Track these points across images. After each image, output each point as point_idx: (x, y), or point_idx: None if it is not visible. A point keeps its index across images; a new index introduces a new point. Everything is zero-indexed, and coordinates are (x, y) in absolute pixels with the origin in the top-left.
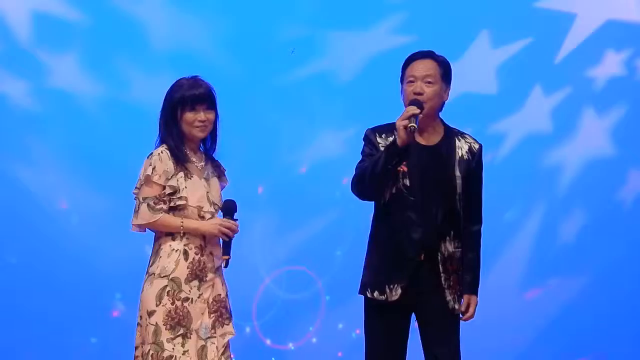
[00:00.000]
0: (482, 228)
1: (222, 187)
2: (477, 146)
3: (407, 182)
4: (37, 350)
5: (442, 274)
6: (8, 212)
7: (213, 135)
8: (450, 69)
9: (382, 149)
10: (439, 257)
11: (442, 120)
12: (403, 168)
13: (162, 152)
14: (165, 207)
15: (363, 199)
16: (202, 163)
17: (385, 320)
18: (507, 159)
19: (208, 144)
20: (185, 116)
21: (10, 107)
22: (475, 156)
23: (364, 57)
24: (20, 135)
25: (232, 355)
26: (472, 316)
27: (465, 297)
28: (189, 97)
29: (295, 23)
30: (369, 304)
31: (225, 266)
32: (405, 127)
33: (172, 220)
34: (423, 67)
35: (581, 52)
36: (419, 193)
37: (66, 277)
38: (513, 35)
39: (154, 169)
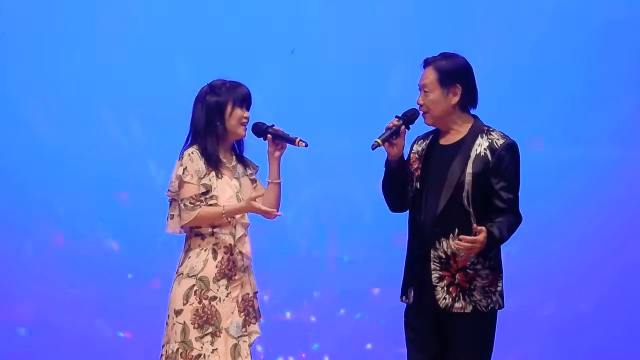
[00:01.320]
0: (511, 218)
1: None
2: (501, 142)
3: (418, 185)
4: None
5: (433, 272)
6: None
7: None
8: (457, 69)
9: (411, 156)
10: (433, 255)
11: (475, 119)
12: (418, 172)
13: (192, 153)
14: (202, 204)
15: (390, 211)
16: (233, 163)
17: (413, 324)
18: None
19: (242, 144)
20: (235, 113)
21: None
22: (496, 152)
23: (364, 56)
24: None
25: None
26: (473, 241)
27: (481, 228)
28: (239, 95)
29: (296, 23)
30: (405, 309)
31: (305, 145)
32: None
33: (212, 209)
34: (422, 77)
35: (581, 51)
36: (425, 193)
37: None
38: (513, 34)
39: (185, 169)
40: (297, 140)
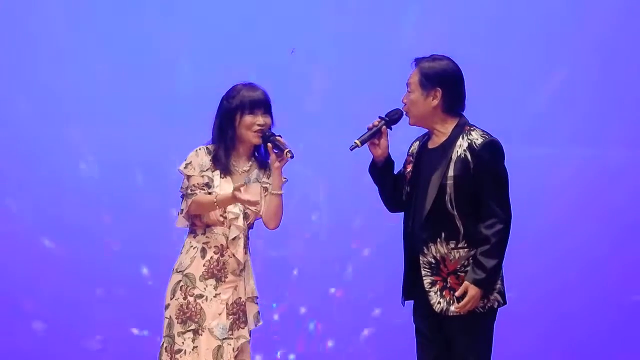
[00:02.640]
0: (497, 223)
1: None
2: (479, 141)
3: (409, 189)
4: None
5: (424, 277)
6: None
7: None
8: (439, 73)
9: (407, 158)
10: (422, 260)
11: (459, 119)
12: (409, 175)
13: (200, 149)
14: (199, 192)
15: (390, 211)
16: (246, 168)
17: (418, 338)
18: (507, 158)
19: (262, 150)
20: (244, 119)
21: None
22: (475, 152)
23: (365, 56)
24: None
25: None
26: (465, 305)
27: (463, 285)
28: (247, 100)
29: (296, 23)
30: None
31: (292, 156)
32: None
33: (207, 196)
34: (409, 76)
35: (582, 51)
36: (414, 198)
37: None
38: (515, 34)
39: (188, 163)
40: (286, 151)
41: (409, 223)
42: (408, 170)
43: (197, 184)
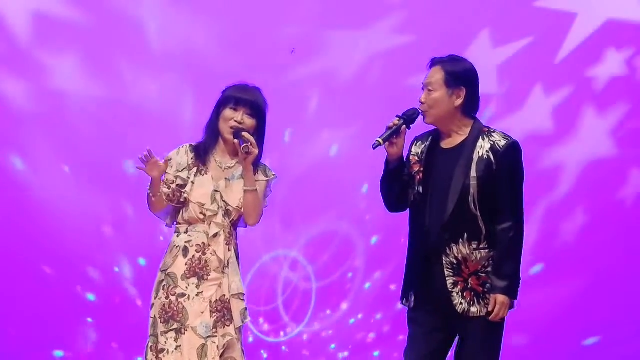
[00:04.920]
0: (515, 226)
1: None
2: (502, 143)
3: (421, 189)
4: None
5: (447, 278)
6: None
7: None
8: (464, 72)
9: (411, 158)
10: (445, 261)
11: (474, 121)
12: (419, 175)
13: (183, 147)
14: (167, 190)
15: (388, 211)
16: (230, 165)
17: (415, 328)
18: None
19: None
20: (225, 113)
21: (10, 107)
22: (499, 154)
23: (364, 56)
24: (19, 135)
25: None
26: (497, 315)
27: (491, 297)
28: (233, 95)
29: (295, 23)
30: (407, 313)
31: (247, 151)
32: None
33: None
34: (428, 75)
35: (581, 51)
36: (430, 198)
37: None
38: (513, 34)
39: (168, 159)
40: (243, 146)
41: (423, 222)
42: (416, 170)
43: (167, 180)
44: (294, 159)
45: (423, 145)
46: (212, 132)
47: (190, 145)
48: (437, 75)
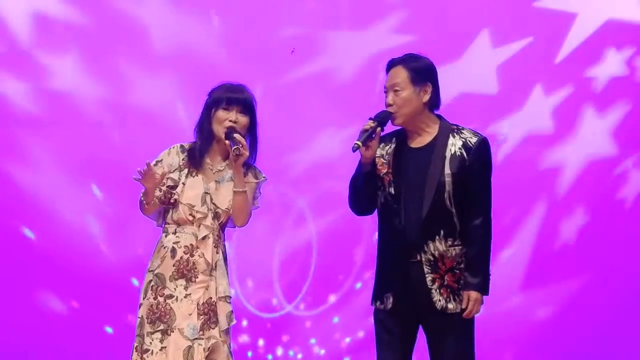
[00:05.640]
0: (486, 221)
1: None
2: (474, 140)
3: (392, 190)
4: None
5: (427, 275)
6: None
7: (251, 143)
8: (427, 68)
9: (377, 160)
10: (423, 258)
11: (440, 119)
12: (389, 176)
13: (174, 147)
14: (158, 193)
15: (357, 214)
16: (221, 167)
17: (388, 330)
18: (508, 158)
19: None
20: (217, 114)
21: (10, 108)
22: (472, 151)
23: (364, 56)
24: (19, 137)
25: None
26: (470, 312)
27: (464, 294)
28: (224, 96)
29: (295, 23)
30: (376, 315)
31: (238, 152)
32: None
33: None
34: (391, 77)
35: (581, 51)
36: (404, 198)
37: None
38: (513, 34)
39: (159, 160)
40: (234, 148)
41: (396, 222)
42: (385, 171)
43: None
44: (294, 159)
45: (388, 147)
46: (206, 135)
47: (181, 146)
48: (402, 74)
